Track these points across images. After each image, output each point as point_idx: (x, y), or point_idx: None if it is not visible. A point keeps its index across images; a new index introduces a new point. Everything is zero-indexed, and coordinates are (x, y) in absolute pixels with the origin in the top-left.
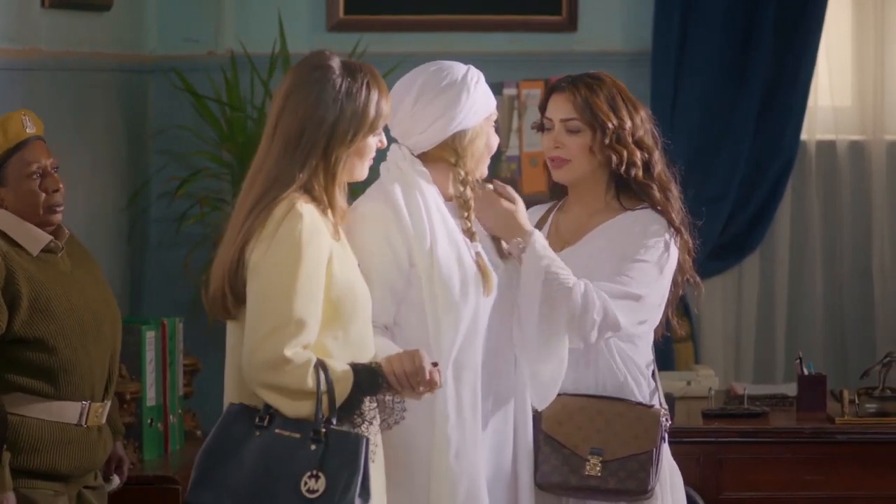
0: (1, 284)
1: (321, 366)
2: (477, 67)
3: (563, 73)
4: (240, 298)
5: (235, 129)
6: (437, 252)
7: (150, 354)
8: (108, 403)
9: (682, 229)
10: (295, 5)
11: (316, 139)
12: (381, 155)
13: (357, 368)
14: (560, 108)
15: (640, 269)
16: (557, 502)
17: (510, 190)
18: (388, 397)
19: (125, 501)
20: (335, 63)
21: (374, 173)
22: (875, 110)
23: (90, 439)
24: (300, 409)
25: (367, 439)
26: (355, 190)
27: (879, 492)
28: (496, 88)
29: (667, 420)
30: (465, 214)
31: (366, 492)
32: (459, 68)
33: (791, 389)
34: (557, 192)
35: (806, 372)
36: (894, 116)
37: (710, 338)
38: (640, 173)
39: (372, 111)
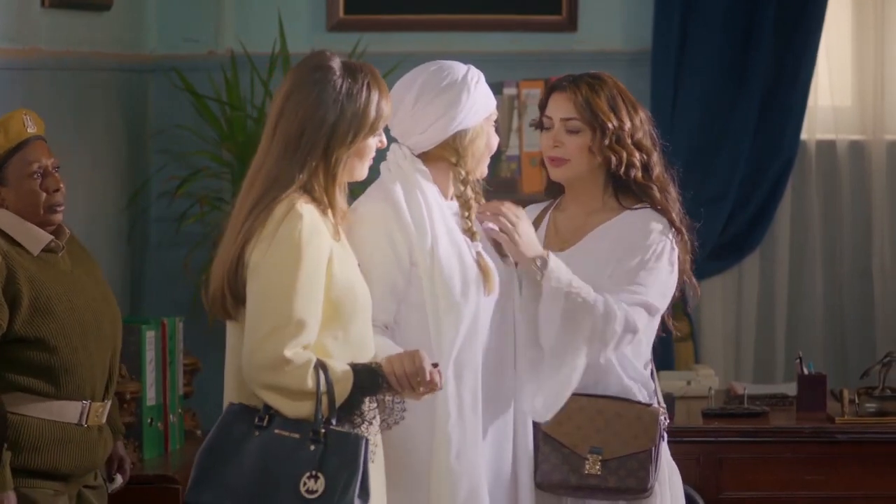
0: (2, 284)
1: (321, 366)
2: (477, 67)
3: (563, 73)
4: (239, 299)
5: (235, 128)
6: (439, 251)
7: (150, 354)
8: (109, 403)
9: (683, 229)
10: (295, 5)
11: (316, 140)
12: (380, 155)
13: (357, 369)
14: (560, 108)
15: (654, 276)
16: (557, 502)
17: (516, 209)
18: (387, 397)
19: (125, 501)
20: (335, 63)
21: (374, 173)
22: (875, 110)
23: (90, 439)
24: (300, 409)
25: (367, 440)
26: (355, 190)
27: (879, 491)
28: (496, 88)
29: (665, 419)
30: (466, 214)
31: (365, 492)
32: (460, 68)
33: (791, 389)
34: (554, 191)
35: (806, 371)
36: (894, 116)
37: (710, 337)
38: (639, 174)
39: (372, 112)
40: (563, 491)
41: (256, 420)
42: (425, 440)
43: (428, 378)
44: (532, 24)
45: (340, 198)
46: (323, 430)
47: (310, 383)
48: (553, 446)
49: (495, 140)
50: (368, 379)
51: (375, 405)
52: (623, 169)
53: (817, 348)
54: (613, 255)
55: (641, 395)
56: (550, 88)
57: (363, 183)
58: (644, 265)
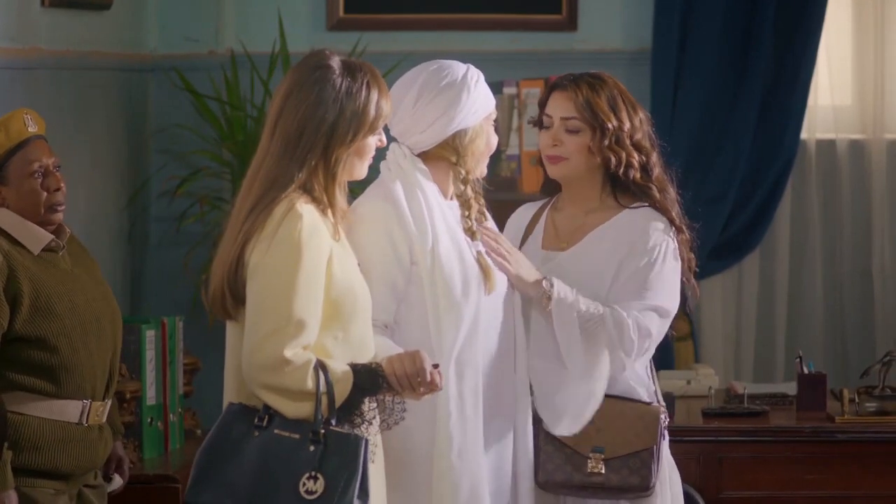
0: (2, 283)
1: (321, 366)
2: (477, 66)
3: (563, 73)
4: (239, 299)
5: (235, 128)
6: (439, 250)
7: (150, 353)
8: (109, 402)
9: (683, 227)
10: (295, 4)
11: (316, 139)
12: (380, 154)
13: (357, 369)
14: (561, 107)
15: (661, 278)
16: (556, 502)
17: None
18: (387, 398)
19: (125, 501)
20: (335, 63)
21: (373, 172)
22: (875, 109)
23: (91, 438)
24: (300, 410)
25: (367, 440)
26: (355, 189)
27: (879, 491)
28: (496, 87)
29: (666, 418)
30: (466, 213)
31: (365, 493)
32: (459, 68)
33: (791, 388)
34: (550, 189)
35: (806, 371)
36: (894, 115)
37: (710, 337)
38: (638, 175)
39: (372, 111)
40: (566, 490)
41: (256, 420)
42: (425, 440)
43: (428, 379)
44: (532, 23)
45: (340, 197)
46: (323, 431)
47: (310, 384)
48: (555, 446)
49: (495, 139)
50: (368, 379)
51: (375, 405)
52: (622, 169)
53: (817, 348)
54: (615, 255)
55: (642, 395)
56: (551, 87)
57: (363, 182)
58: (650, 267)
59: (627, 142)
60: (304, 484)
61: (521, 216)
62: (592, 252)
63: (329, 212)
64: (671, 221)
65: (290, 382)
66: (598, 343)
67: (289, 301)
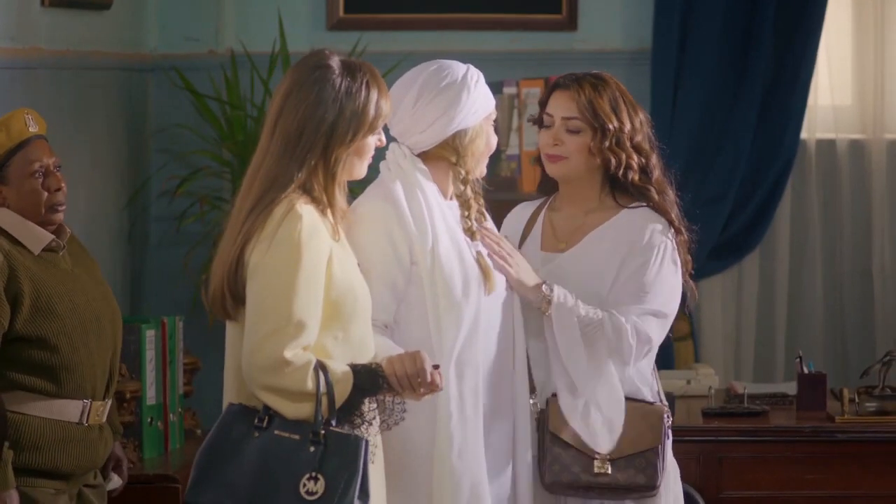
0: (3, 283)
1: (321, 367)
2: (477, 66)
3: (563, 72)
4: (239, 299)
5: (235, 127)
6: (439, 250)
7: (150, 353)
8: (109, 402)
9: (682, 229)
10: (295, 4)
11: (315, 139)
12: (379, 154)
13: (357, 369)
14: (562, 106)
15: (659, 280)
16: (556, 502)
17: (506, 242)
18: (387, 398)
19: (125, 500)
20: (335, 62)
21: (373, 172)
22: (875, 109)
23: (91, 438)
24: (300, 410)
25: (367, 441)
26: (354, 189)
27: (879, 491)
28: (496, 87)
29: (669, 417)
30: (466, 213)
31: (365, 493)
32: (459, 68)
33: (791, 388)
34: (547, 188)
35: (806, 371)
36: (894, 115)
37: (710, 337)
38: (636, 177)
39: (371, 111)
40: (573, 492)
41: (256, 421)
42: (425, 441)
43: (429, 379)
44: (532, 23)
45: (340, 197)
46: (323, 432)
47: (310, 384)
48: (561, 447)
49: (495, 140)
50: (368, 380)
51: (375, 406)
52: (621, 171)
53: (817, 348)
54: (615, 256)
55: (647, 394)
56: (553, 86)
57: (363, 182)
58: (648, 269)
59: (627, 143)
60: (305, 485)
61: (517, 216)
62: (592, 253)
63: (329, 212)
64: (670, 223)
65: (289, 383)
66: (597, 348)
67: (288, 302)
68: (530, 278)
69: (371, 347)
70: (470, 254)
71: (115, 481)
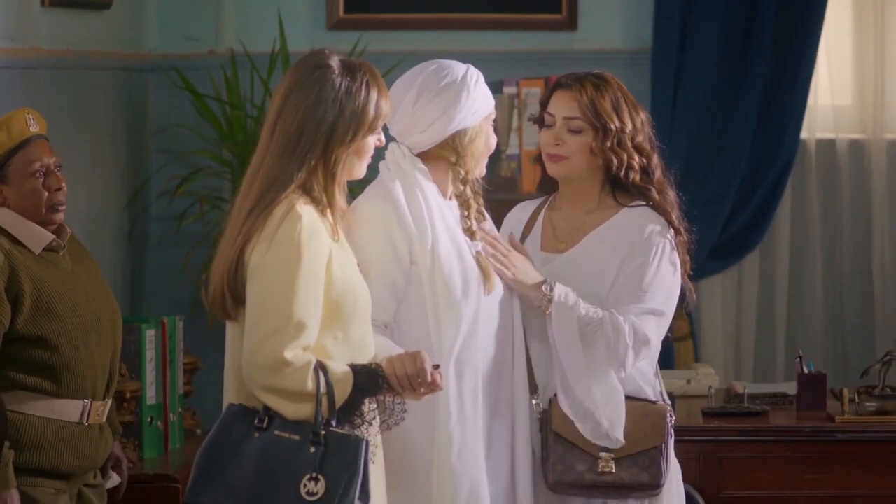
0: (4, 282)
1: (321, 367)
2: (477, 66)
3: (563, 72)
4: (239, 299)
5: (235, 127)
6: (439, 250)
7: (150, 353)
8: (109, 402)
9: (682, 229)
10: (295, 4)
11: (315, 138)
12: (379, 153)
13: (357, 370)
14: (564, 106)
15: (658, 280)
16: (558, 502)
17: (504, 242)
18: (388, 398)
19: (125, 500)
20: (335, 62)
21: (373, 172)
22: (875, 109)
23: (91, 437)
24: (300, 411)
25: (367, 441)
26: (354, 189)
27: (879, 490)
28: (496, 87)
29: (672, 416)
30: (465, 213)
31: (365, 494)
32: (459, 67)
33: (791, 388)
34: (547, 187)
35: (806, 370)
36: (894, 115)
37: (710, 336)
38: (638, 177)
39: (371, 110)
40: (577, 491)
41: (256, 421)
42: (425, 441)
43: (429, 379)
44: (532, 22)
45: (340, 197)
46: (323, 432)
47: (310, 385)
48: (565, 446)
49: (494, 140)
50: (368, 380)
51: (375, 406)
52: (622, 171)
53: (817, 347)
54: (615, 255)
55: (649, 393)
56: (554, 85)
57: (363, 182)
58: (647, 269)
59: (629, 143)
60: (305, 485)
61: (517, 215)
62: (592, 253)
63: (328, 212)
64: (669, 223)
65: (289, 384)
66: (597, 347)
67: (288, 302)
68: (530, 277)
69: (371, 347)
70: (469, 254)
71: (114, 479)
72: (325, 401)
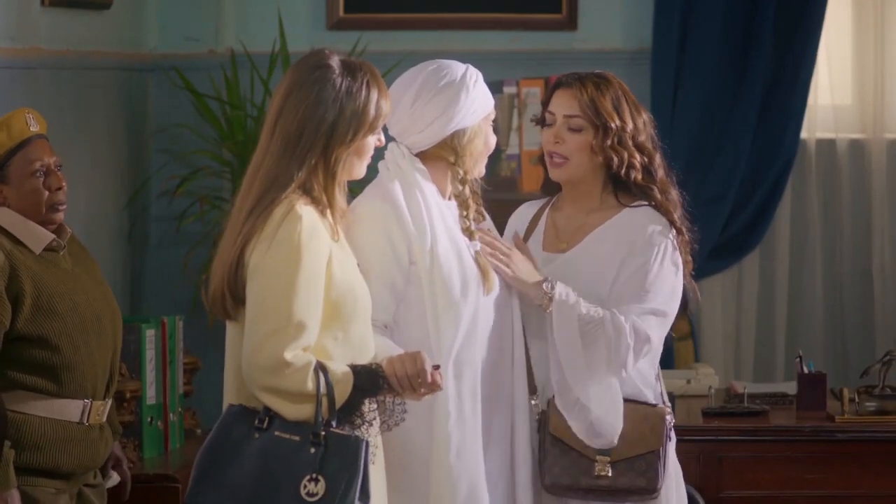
0: (4, 282)
1: (321, 368)
2: (477, 66)
3: (563, 72)
4: (239, 299)
5: (235, 127)
6: (438, 250)
7: (150, 353)
8: (110, 402)
9: (683, 229)
10: (295, 4)
11: (315, 138)
12: (379, 153)
13: (357, 370)
14: (564, 104)
15: (660, 280)
16: (558, 502)
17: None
18: (388, 399)
19: (125, 500)
20: (335, 62)
21: (372, 171)
22: (875, 109)
23: (92, 437)
24: (300, 412)
25: (367, 442)
26: (354, 189)
27: (879, 490)
28: (496, 87)
29: (672, 418)
30: (464, 213)
31: (365, 495)
32: (458, 67)
33: (791, 388)
34: (550, 189)
35: (806, 370)
36: (894, 115)
37: (710, 336)
38: (640, 176)
39: (372, 110)
40: (573, 494)
41: (256, 422)
42: (424, 441)
43: (429, 379)
44: (532, 22)
45: (340, 197)
46: (323, 433)
47: (310, 386)
48: (561, 449)
49: (493, 140)
50: (368, 380)
51: (376, 406)
52: (623, 170)
53: (817, 347)
54: (617, 255)
55: (649, 396)
56: (555, 84)
57: (362, 182)
58: (649, 268)
59: (630, 142)
60: (305, 486)
61: (521, 216)
62: (593, 253)
63: (328, 212)
64: (671, 222)
65: (290, 384)
66: (597, 347)
67: (289, 302)
68: (530, 276)
69: (371, 348)
70: (468, 254)
71: (114, 479)
72: (325, 401)
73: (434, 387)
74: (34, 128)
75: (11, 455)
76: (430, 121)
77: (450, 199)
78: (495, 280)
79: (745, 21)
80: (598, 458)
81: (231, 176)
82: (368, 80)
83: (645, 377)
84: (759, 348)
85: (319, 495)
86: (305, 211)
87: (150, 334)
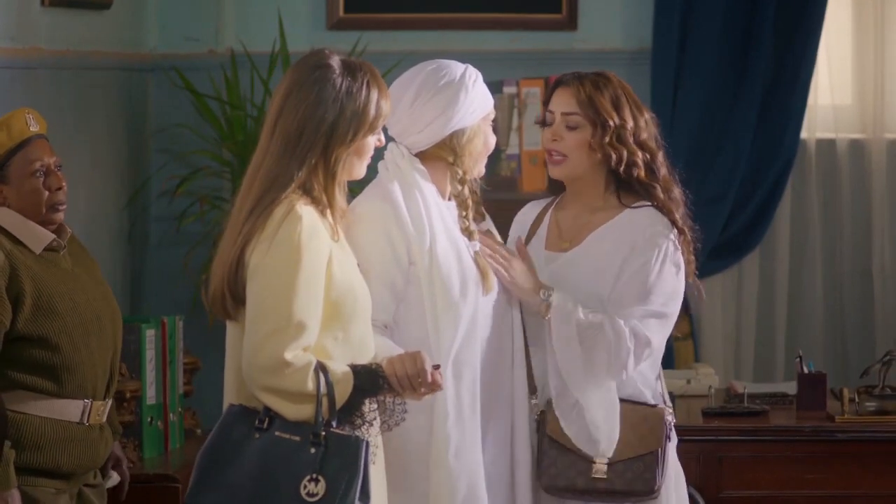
0: (5, 282)
1: (321, 368)
2: (477, 66)
3: (563, 72)
4: (239, 300)
5: (235, 127)
6: (437, 250)
7: (150, 353)
8: (110, 402)
9: (685, 229)
10: (295, 4)
11: (315, 138)
12: (378, 153)
13: (357, 370)
14: (562, 102)
15: (660, 281)
16: (558, 502)
17: (505, 247)
18: (388, 399)
19: (125, 500)
20: (335, 62)
21: (372, 171)
22: (875, 109)
23: (92, 437)
24: (301, 412)
25: (368, 442)
26: (354, 189)
27: (879, 490)
28: (496, 87)
29: (672, 419)
30: (464, 213)
31: (366, 495)
32: (457, 67)
33: (791, 388)
34: (556, 188)
35: (806, 370)
36: (894, 115)
37: (710, 336)
38: (642, 173)
39: (372, 110)
40: (570, 495)
41: (257, 422)
42: (424, 441)
43: (429, 379)
44: (532, 22)
45: (340, 197)
46: (323, 433)
47: (310, 386)
48: (559, 449)
49: (493, 139)
50: (369, 380)
51: (376, 406)
52: (623, 167)
53: (817, 347)
54: (617, 256)
55: (648, 397)
56: (555, 84)
57: (362, 181)
58: (650, 270)
59: (630, 140)
60: (306, 486)
61: (526, 215)
62: (594, 253)
63: (328, 212)
64: (673, 223)
65: (290, 384)
66: (597, 352)
67: (289, 302)
68: (529, 283)
69: (371, 348)
70: (468, 254)
71: (114, 479)
72: (325, 401)
73: (434, 386)
74: (34, 128)
75: (12, 455)
76: (430, 121)
77: (449, 199)
78: (494, 280)
79: (745, 21)
80: (595, 459)
81: (231, 176)
82: (368, 80)
83: (645, 378)
84: (759, 348)
85: (320, 495)
86: (305, 211)
87: (150, 334)
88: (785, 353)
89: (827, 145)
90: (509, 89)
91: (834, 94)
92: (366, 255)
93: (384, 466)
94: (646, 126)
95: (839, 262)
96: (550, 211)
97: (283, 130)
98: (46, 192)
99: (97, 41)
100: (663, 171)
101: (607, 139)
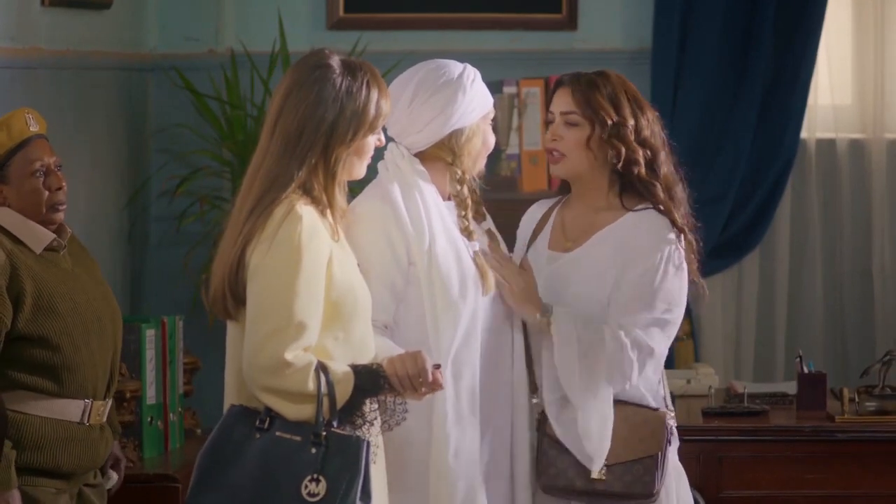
0: (5, 282)
1: (321, 368)
2: (477, 66)
3: (563, 72)
4: (239, 300)
5: (235, 127)
6: (436, 251)
7: (150, 353)
8: (110, 402)
9: (686, 230)
10: (295, 4)
11: (315, 138)
12: (378, 153)
13: (358, 370)
14: (561, 102)
15: (661, 287)
16: (557, 503)
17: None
18: (389, 398)
19: (125, 500)
20: (335, 62)
21: (372, 171)
22: (875, 109)
23: (92, 437)
24: (301, 412)
25: (368, 442)
26: (354, 189)
27: (879, 490)
28: (496, 87)
29: (674, 422)
30: (463, 213)
31: (366, 495)
32: (456, 67)
33: (791, 388)
34: (565, 188)
35: (806, 370)
36: (894, 115)
37: (710, 336)
38: (643, 171)
39: (372, 110)
40: (569, 495)
41: (257, 422)
42: (423, 441)
43: (430, 379)
44: (532, 22)
45: (340, 196)
46: (324, 433)
47: (311, 386)
48: (558, 451)
49: (492, 139)
50: (369, 380)
51: (376, 406)
52: (623, 165)
53: (817, 347)
54: (617, 259)
55: (650, 400)
56: (556, 84)
57: (363, 182)
58: (652, 277)
59: (630, 137)
60: (306, 486)
61: (533, 214)
62: (595, 255)
63: (328, 212)
64: (673, 223)
65: (290, 385)
66: (598, 365)
67: (289, 303)
68: (530, 299)
69: (371, 347)
70: (467, 254)
71: (114, 479)
72: (326, 401)
73: (435, 386)
74: (34, 128)
75: (13, 455)
76: (428, 120)
77: (449, 199)
78: (493, 280)
79: (745, 21)
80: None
81: (231, 176)
82: (368, 79)
83: (648, 380)
84: (759, 348)
85: (321, 495)
86: (306, 211)
87: (150, 334)
88: (785, 353)
89: (827, 145)
90: (509, 89)
91: (834, 94)
92: (365, 256)
93: (385, 466)
94: (648, 124)
95: (839, 262)
96: (556, 210)
97: (283, 130)
98: (46, 192)
99: (97, 41)
100: (665, 169)
101: (605, 136)
